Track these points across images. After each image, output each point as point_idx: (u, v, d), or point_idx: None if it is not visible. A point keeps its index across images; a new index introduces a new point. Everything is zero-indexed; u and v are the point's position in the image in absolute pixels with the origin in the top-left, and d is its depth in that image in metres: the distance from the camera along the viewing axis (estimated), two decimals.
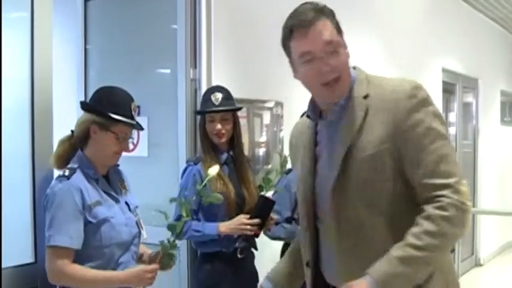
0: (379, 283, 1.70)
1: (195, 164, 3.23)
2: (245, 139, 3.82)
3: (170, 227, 2.67)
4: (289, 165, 3.40)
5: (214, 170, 2.84)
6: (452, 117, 8.11)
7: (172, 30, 3.82)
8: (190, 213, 2.98)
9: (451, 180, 1.75)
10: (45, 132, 2.79)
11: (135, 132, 2.86)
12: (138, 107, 3.95)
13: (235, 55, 3.95)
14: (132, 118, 2.57)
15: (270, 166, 4.23)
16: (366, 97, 1.88)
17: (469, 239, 8.49)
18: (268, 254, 3.71)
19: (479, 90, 8.73)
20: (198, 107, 3.60)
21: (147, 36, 4.02)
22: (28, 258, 2.71)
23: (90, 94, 4.22)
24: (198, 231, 3.17)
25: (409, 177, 1.81)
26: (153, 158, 3.93)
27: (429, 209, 1.74)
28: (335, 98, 1.91)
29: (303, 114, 2.53)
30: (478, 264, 8.68)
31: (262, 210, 3.21)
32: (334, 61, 1.84)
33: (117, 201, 2.59)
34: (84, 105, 2.64)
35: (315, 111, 2.03)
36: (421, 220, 1.74)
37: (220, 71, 3.77)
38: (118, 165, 2.74)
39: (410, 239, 1.72)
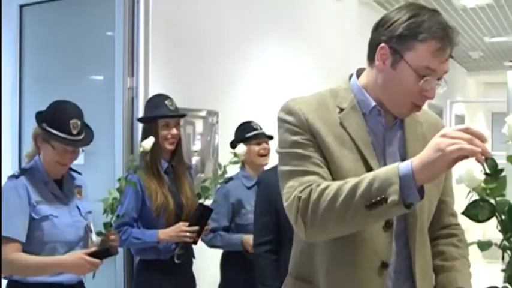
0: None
1: (135, 172, 3.25)
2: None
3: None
4: (227, 175, 3.47)
5: (148, 142, 2.91)
6: None
7: (109, 38, 3.82)
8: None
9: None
10: None
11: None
12: None
13: (172, 64, 3.98)
14: (70, 134, 2.74)
15: (203, 175, 4.28)
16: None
17: None
18: (207, 261, 3.76)
19: None
20: (137, 115, 3.63)
21: (84, 43, 4.00)
22: None
23: (25, 101, 4.22)
24: (138, 238, 3.19)
25: (440, 200, 1.88)
26: (89, 165, 3.90)
27: (460, 234, 1.93)
28: (405, 117, 1.81)
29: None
30: None
31: (201, 217, 3.26)
32: (436, 90, 1.70)
33: (65, 204, 2.81)
34: (35, 116, 2.85)
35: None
36: (461, 244, 1.90)
37: (157, 80, 3.80)
38: (79, 173, 3.01)
39: (467, 262, 1.89)
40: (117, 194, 2.86)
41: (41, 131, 2.75)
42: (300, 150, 1.69)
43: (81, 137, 2.81)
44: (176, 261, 3.28)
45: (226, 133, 4.28)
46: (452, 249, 1.88)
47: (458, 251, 1.88)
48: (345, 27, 6.64)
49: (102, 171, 3.84)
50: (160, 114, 3.29)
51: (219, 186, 3.62)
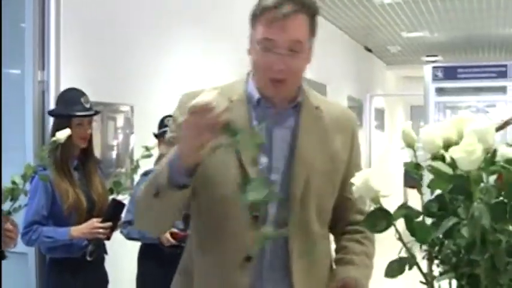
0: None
1: (45, 169, 3.19)
2: (97, 143, 3.83)
3: None
4: (145, 169, 3.45)
5: (63, 134, 2.84)
6: None
7: (20, 30, 3.74)
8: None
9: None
10: None
11: None
12: None
13: (85, 57, 3.92)
14: None
15: (124, 169, 4.25)
16: (317, 108, 1.83)
17: None
18: (123, 257, 3.74)
19: (327, 95, 9.17)
20: (48, 109, 3.56)
21: None
22: None
23: None
24: (49, 237, 3.12)
25: (341, 197, 1.85)
26: None
27: (366, 232, 1.86)
28: (277, 97, 1.77)
29: None
30: None
31: (114, 213, 3.24)
32: (291, 63, 1.68)
33: None
34: None
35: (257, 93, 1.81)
36: (365, 240, 1.87)
37: (69, 73, 3.74)
38: None
39: (365, 259, 1.86)
40: (20, 180, 2.76)
41: None
42: (166, 151, 1.72)
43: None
44: (88, 258, 3.24)
45: (142, 127, 4.26)
46: (355, 245, 1.86)
47: (361, 248, 1.86)
48: None
49: (12, 166, 3.74)
50: (75, 113, 3.22)
51: (139, 179, 3.60)
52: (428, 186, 1.11)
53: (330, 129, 1.81)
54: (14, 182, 2.67)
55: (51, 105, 3.58)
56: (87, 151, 3.34)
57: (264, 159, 1.74)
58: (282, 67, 1.66)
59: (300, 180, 1.74)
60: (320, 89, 8.91)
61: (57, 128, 3.23)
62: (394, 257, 1.16)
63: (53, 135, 3.16)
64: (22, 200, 2.71)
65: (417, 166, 1.15)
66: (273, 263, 1.75)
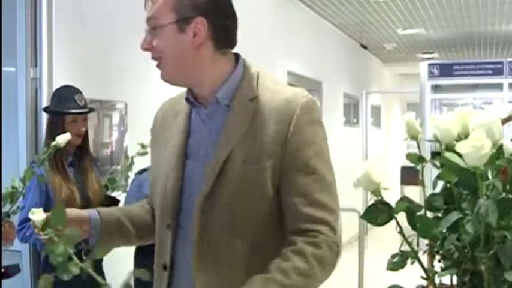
0: None
1: (41, 164, 3.16)
2: (92, 140, 3.79)
3: None
4: (141, 166, 3.42)
5: (64, 138, 2.80)
6: None
7: (12, 28, 3.70)
8: None
9: (330, 218, 1.57)
10: None
11: None
12: None
13: (77, 54, 3.89)
14: None
15: (119, 167, 4.22)
16: (253, 99, 1.63)
17: None
18: (119, 255, 3.71)
19: (323, 92, 9.16)
20: (41, 106, 3.53)
21: None
22: None
23: None
24: None
25: (284, 201, 1.59)
26: None
27: (301, 243, 1.52)
28: (164, 79, 1.70)
29: None
30: None
31: None
32: (151, 41, 1.64)
33: None
34: None
35: (192, 93, 1.72)
36: (291, 254, 1.51)
37: (62, 70, 3.71)
38: None
39: (277, 275, 1.47)
40: (19, 184, 2.75)
41: None
42: None
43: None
44: (84, 257, 3.20)
45: (136, 125, 4.23)
46: (277, 260, 1.52)
47: (279, 263, 1.50)
48: (264, 20, 6.67)
49: (5, 163, 3.71)
50: (69, 110, 3.21)
51: (134, 177, 3.57)
52: (439, 178, 1.07)
53: (262, 122, 1.60)
54: (14, 187, 2.67)
55: (44, 102, 3.55)
56: (83, 148, 3.31)
57: (192, 166, 1.67)
58: (144, 45, 1.65)
59: (207, 185, 1.59)
60: (315, 86, 8.89)
61: (50, 125, 3.21)
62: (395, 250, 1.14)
63: (49, 132, 3.14)
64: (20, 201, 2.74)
65: (421, 158, 1.12)
66: (183, 272, 1.67)
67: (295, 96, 1.62)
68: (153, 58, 1.67)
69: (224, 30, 1.67)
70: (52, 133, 3.13)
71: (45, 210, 3.10)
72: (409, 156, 1.15)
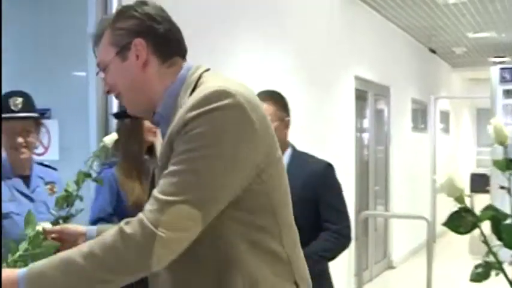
0: (27, 280, 1.45)
1: (110, 167, 3.19)
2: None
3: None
4: None
5: (111, 137, 2.81)
6: (365, 123, 8.34)
7: (83, 32, 3.78)
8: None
9: (165, 197, 1.46)
10: None
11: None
12: (49, 109, 3.94)
13: None
14: (11, 111, 2.79)
15: None
16: (175, 111, 1.61)
17: (382, 242, 8.74)
18: None
19: (391, 97, 9.02)
20: (111, 110, 3.59)
21: (58, 38, 3.97)
22: None
23: None
24: None
25: None
26: (64, 161, 3.87)
27: (130, 221, 1.47)
28: (131, 113, 1.80)
29: None
30: (390, 266, 8.94)
31: None
32: (108, 80, 1.72)
33: (32, 200, 2.82)
34: None
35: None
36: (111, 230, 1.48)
37: None
38: (54, 169, 3.06)
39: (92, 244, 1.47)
40: (73, 186, 2.79)
41: None
42: None
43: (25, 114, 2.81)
44: None
45: None
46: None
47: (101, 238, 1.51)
48: (328, 24, 6.62)
49: (77, 167, 3.78)
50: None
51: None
52: None
53: (171, 131, 1.56)
54: (67, 191, 2.72)
55: (114, 107, 3.60)
56: (153, 147, 3.32)
57: None
58: (105, 89, 1.75)
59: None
60: (383, 91, 8.77)
61: (124, 129, 3.19)
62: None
63: (124, 136, 3.09)
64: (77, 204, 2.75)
65: (510, 163, 1.05)
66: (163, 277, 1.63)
67: (195, 101, 1.53)
68: (115, 97, 1.76)
69: (164, 41, 1.69)
70: (128, 134, 3.14)
71: (116, 211, 3.14)
72: (496, 163, 1.08)
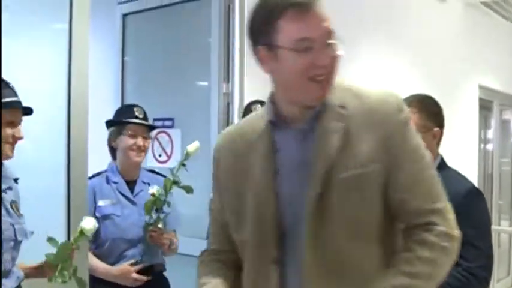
0: None
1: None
2: None
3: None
4: None
5: (194, 146, 2.96)
6: (490, 134, 8.04)
7: (206, 44, 3.88)
8: None
9: (440, 206, 1.56)
10: (80, 143, 2.85)
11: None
12: (172, 119, 4.07)
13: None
14: (137, 118, 3.14)
15: None
16: (342, 106, 1.59)
17: (506, 260, 8.36)
18: None
19: None
20: (233, 120, 3.66)
21: (182, 50, 4.10)
22: None
23: None
24: None
25: (393, 201, 1.57)
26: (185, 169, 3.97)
27: (423, 234, 1.53)
28: (322, 98, 1.57)
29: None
30: None
31: None
32: (333, 54, 1.55)
33: (135, 204, 3.07)
34: (105, 124, 3.22)
35: (277, 115, 1.66)
36: (414, 245, 1.54)
37: (252, 85, 3.81)
38: (163, 176, 3.22)
39: (403, 265, 1.52)
40: (161, 192, 2.99)
41: (113, 128, 3.13)
42: None
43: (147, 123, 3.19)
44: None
45: None
46: (401, 255, 1.57)
47: (404, 256, 1.55)
48: (449, 30, 6.43)
49: (199, 176, 3.88)
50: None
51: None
52: None
53: (355, 129, 1.55)
54: (153, 195, 2.95)
55: (236, 117, 3.67)
56: None
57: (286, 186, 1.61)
58: (325, 62, 1.52)
59: (311, 199, 1.54)
60: (510, 100, 8.40)
61: None
62: None
63: None
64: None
65: None
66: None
67: (385, 100, 1.60)
68: (322, 77, 1.56)
69: None
70: None
71: None
72: None
